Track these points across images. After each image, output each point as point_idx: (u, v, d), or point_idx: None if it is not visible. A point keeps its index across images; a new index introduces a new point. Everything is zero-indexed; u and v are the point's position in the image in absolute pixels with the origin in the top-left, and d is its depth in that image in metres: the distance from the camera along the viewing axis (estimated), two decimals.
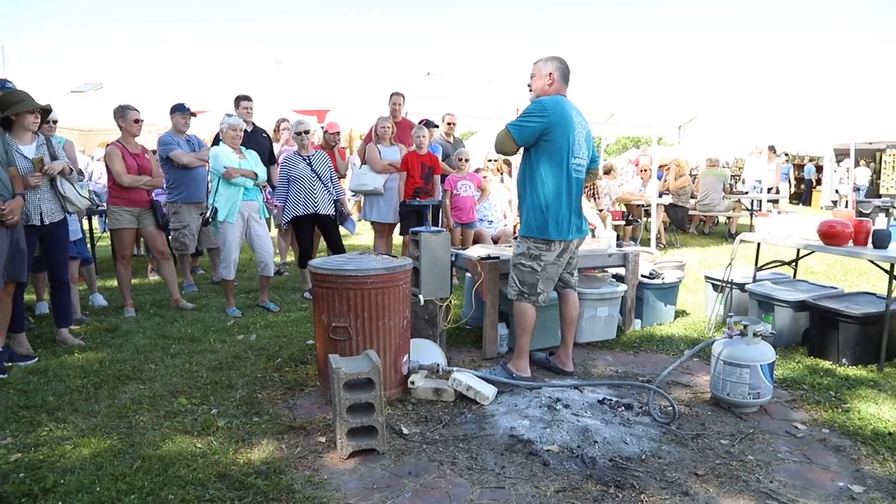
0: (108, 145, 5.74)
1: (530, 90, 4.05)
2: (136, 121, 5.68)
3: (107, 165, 5.65)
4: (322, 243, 6.89)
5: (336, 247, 6.40)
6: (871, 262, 4.53)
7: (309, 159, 6.18)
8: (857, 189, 16.82)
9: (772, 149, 13.24)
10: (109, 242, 8.55)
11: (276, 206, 6.35)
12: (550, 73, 3.95)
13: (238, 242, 5.78)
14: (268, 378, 4.16)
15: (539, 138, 3.83)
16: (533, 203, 3.92)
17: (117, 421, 3.45)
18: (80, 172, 6.18)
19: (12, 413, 3.54)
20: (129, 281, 5.93)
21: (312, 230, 6.42)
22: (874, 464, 3.02)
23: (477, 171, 8.21)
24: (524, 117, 3.84)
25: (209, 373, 4.24)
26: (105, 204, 6.55)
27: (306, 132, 6.22)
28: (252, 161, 5.84)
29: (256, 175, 5.79)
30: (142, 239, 7.79)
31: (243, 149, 5.89)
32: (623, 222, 10.48)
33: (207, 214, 5.69)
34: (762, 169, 12.89)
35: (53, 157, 4.64)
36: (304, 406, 3.70)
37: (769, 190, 12.62)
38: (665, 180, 11.98)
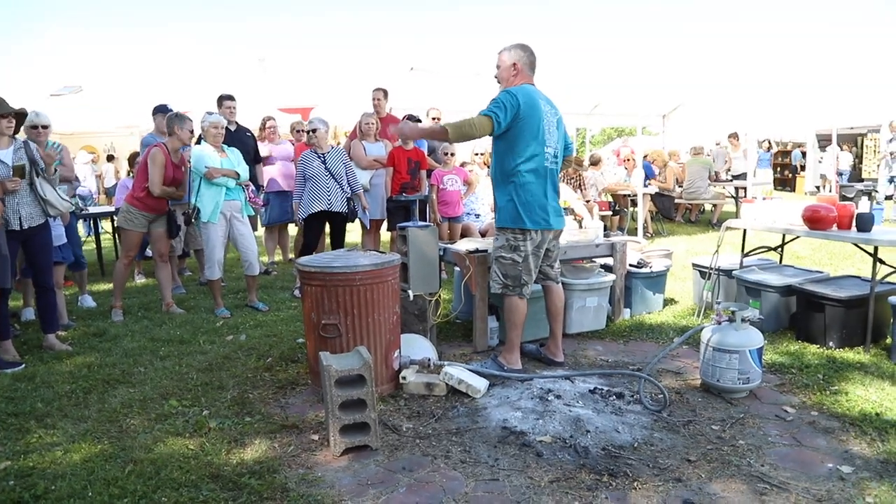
0: (153, 145, 5.64)
1: (498, 82, 4.03)
2: (191, 130, 5.71)
3: (145, 163, 5.58)
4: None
5: (338, 244, 6.44)
6: (856, 245, 4.58)
7: (324, 157, 6.18)
8: (839, 174, 16.97)
9: (734, 136, 13.34)
10: (95, 247, 8.51)
11: (259, 204, 6.32)
12: (514, 64, 3.92)
13: (221, 242, 5.76)
14: (259, 378, 4.15)
15: (509, 128, 3.80)
16: (507, 194, 3.91)
17: (108, 425, 3.43)
18: (77, 178, 6.13)
19: (0, 421, 3.51)
20: (124, 282, 5.90)
21: (322, 227, 6.43)
22: (862, 444, 3.06)
23: (463, 164, 8.20)
24: (496, 105, 3.76)
25: (199, 374, 4.22)
26: (80, 205, 6.46)
27: (313, 131, 6.22)
28: (234, 160, 5.80)
29: (238, 174, 5.75)
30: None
31: (225, 147, 5.85)
32: (610, 212, 10.51)
33: (191, 214, 5.66)
34: (733, 157, 13.01)
35: (32, 161, 4.58)
36: (296, 405, 3.69)
37: (738, 176, 12.69)
38: (657, 177, 12.01)
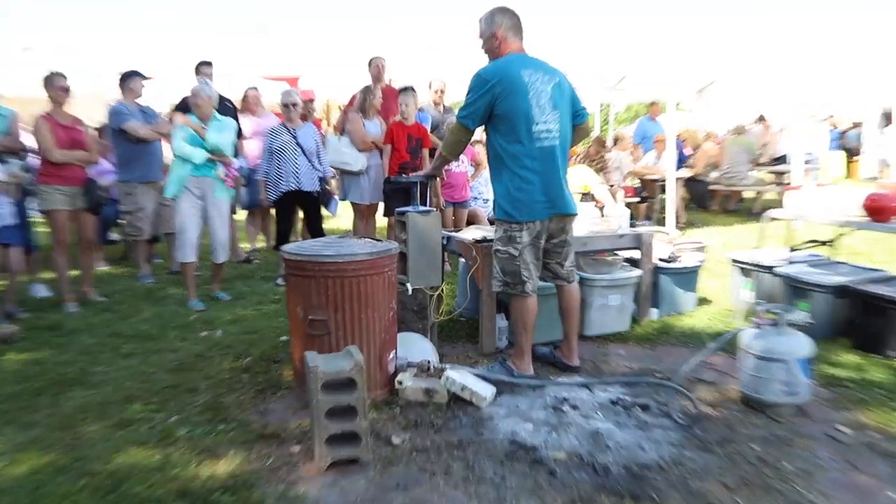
0: (40, 116, 5.64)
1: (486, 54, 4.02)
2: (64, 88, 5.61)
3: (37, 141, 5.57)
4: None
5: (315, 229, 6.49)
6: None
7: (294, 132, 6.27)
8: None
9: (762, 118, 13.22)
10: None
11: (232, 185, 6.33)
12: (495, 34, 3.90)
13: (194, 222, 5.74)
14: (235, 380, 4.12)
15: (492, 113, 3.79)
16: (500, 182, 3.89)
17: (60, 433, 3.39)
18: (24, 149, 6.07)
19: None
20: (66, 270, 5.84)
21: (294, 209, 6.48)
22: None
23: (473, 143, 8.13)
24: (468, 98, 3.81)
25: (168, 375, 4.19)
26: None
27: (294, 104, 6.34)
28: (214, 131, 5.72)
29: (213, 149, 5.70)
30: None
31: (218, 117, 5.82)
32: (637, 199, 10.43)
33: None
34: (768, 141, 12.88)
35: None
36: (277, 411, 3.66)
37: (778, 160, 12.54)
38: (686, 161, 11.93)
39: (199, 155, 5.62)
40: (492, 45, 3.92)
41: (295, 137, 6.24)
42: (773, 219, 5.25)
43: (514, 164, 3.81)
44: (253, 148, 7.71)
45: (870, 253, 7.89)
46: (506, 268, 3.94)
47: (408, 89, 6.97)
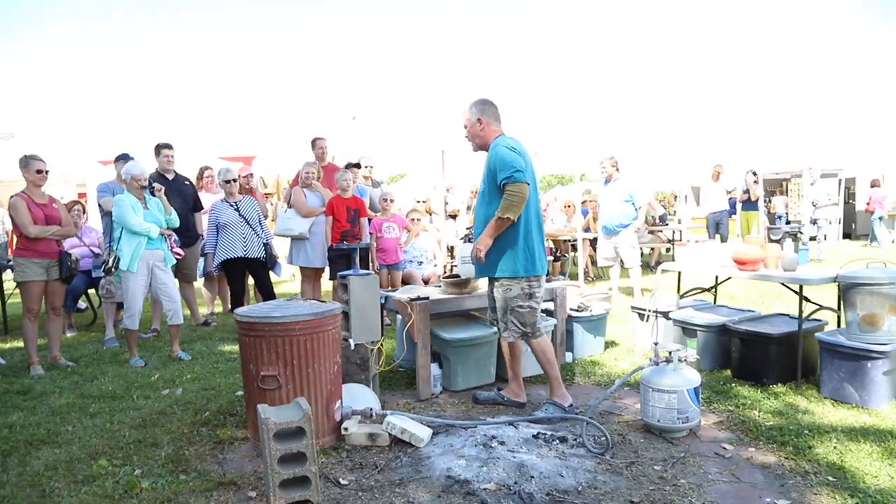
0: (11, 197, 5.53)
1: (469, 140, 4.14)
2: (39, 171, 5.53)
3: (11, 217, 5.45)
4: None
5: (266, 290, 6.52)
6: (783, 284, 4.79)
7: (236, 204, 6.45)
8: (777, 217, 17.56)
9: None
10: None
11: (181, 255, 6.26)
12: (479, 119, 4.03)
13: (142, 292, 5.71)
14: (195, 433, 4.01)
15: None
16: (515, 243, 3.96)
17: (28, 490, 3.24)
18: None
19: None
20: (35, 337, 5.64)
21: (244, 274, 6.58)
22: (797, 477, 3.15)
23: (408, 214, 8.25)
24: (510, 163, 3.80)
25: (132, 431, 4.05)
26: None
27: (234, 180, 6.57)
28: (154, 210, 5.75)
29: (164, 224, 5.81)
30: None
31: (148, 197, 5.79)
32: (551, 258, 10.68)
33: (110, 263, 5.56)
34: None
35: None
36: (234, 460, 3.58)
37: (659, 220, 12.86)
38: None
39: (156, 230, 5.63)
40: (476, 129, 4.03)
41: (238, 210, 6.35)
42: (665, 270, 5.49)
43: (530, 225, 3.97)
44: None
45: (745, 296, 8.27)
46: (526, 320, 4.06)
47: (349, 166, 7.09)
